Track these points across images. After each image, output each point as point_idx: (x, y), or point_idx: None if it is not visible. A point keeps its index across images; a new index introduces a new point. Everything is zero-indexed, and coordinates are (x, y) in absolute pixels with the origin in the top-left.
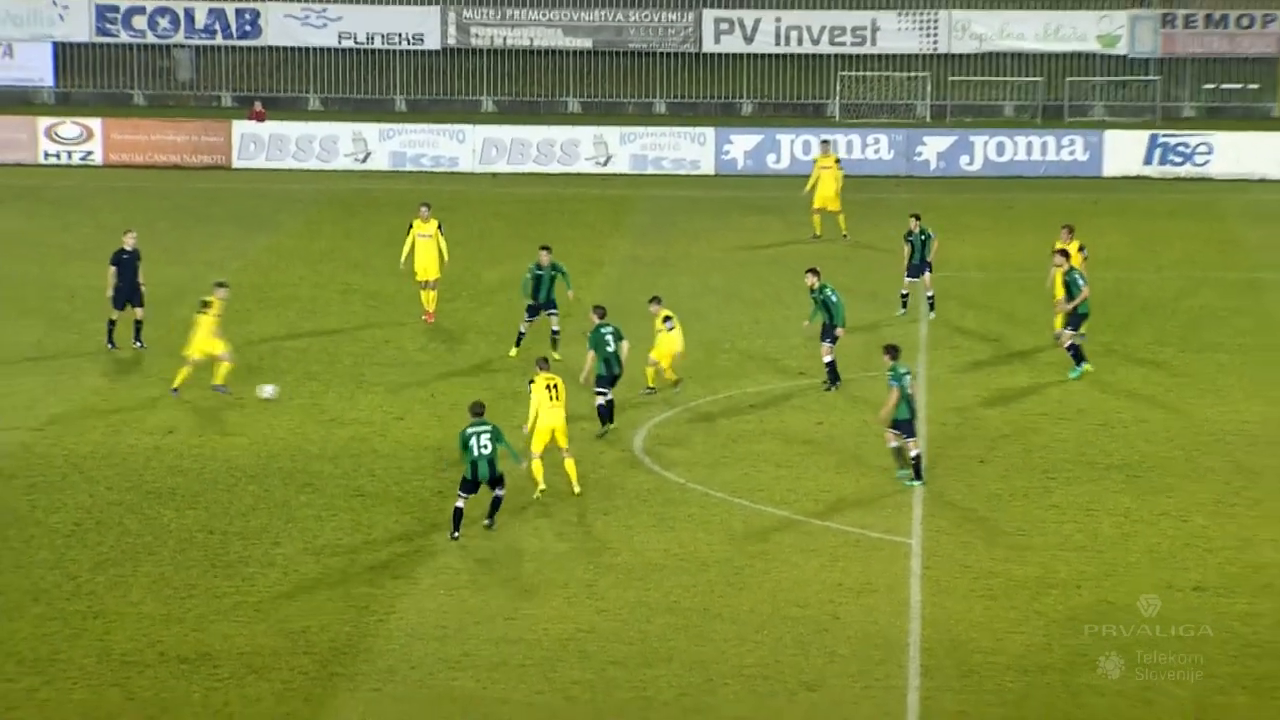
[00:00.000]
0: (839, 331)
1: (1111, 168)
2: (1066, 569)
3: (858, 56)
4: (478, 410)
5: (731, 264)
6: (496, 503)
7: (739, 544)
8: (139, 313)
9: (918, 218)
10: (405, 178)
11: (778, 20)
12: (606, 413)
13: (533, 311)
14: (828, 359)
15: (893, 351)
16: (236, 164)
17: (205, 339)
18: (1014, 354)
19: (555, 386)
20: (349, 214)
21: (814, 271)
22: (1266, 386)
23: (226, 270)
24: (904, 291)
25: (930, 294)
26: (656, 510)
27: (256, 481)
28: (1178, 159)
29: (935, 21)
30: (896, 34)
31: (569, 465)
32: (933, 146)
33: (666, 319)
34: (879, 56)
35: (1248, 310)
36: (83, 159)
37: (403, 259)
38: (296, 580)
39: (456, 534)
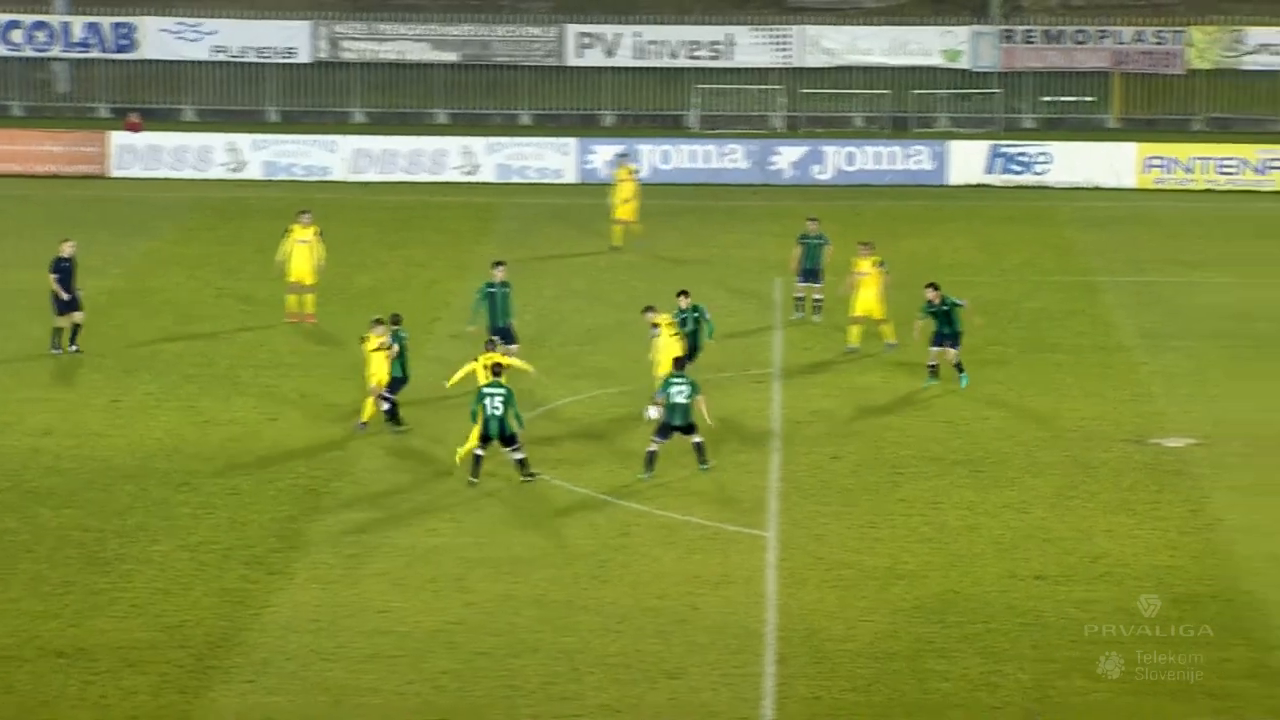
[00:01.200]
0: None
1: (956, 176)
2: (914, 560)
3: (714, 70)
4: (496, 371)
5: (594, 269)
6: (521, 464)
7: (603, 539)
8: (78, 317)
9: (816, 221)
10: (278, 186)
11: (638, 35)
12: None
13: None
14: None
15: (677, 363)
16: (113, 173)
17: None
18: (864, 354)
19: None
20: (223, 221)
21: (684, 293)
22: (1101, 385)
23: (104, 275)
24: (798, 295)
25: (819, 299)
26: (523, 506)
27: (133, 481)
28: (1018, 168)
29: (788, 37)
30: (751, 48)
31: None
32: (786, 156)
33: (655, 326)
34: (735, 70)
35: (1083, 312)
36: None
37: (276, 261)
38: (173, 576)
39: (474, 479)
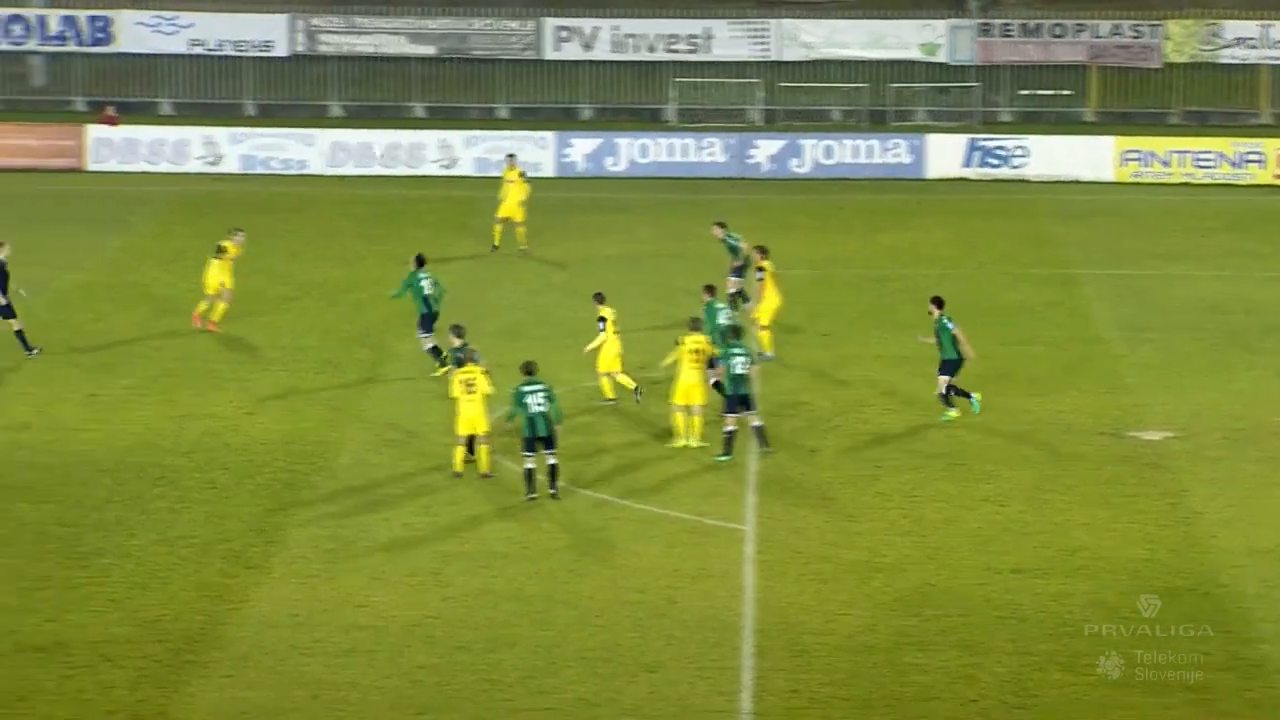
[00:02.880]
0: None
1: (934, 169)
2: (892, 553)
3: (693, 63)
4: (529, 369)
5: (572, 262)
6: (552, 471)
7: (580, 532)
8: (15, 324)
9: (723, 225)
10: (255, 180)
11: (615, 28)
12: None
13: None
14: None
15: (732, 332)
16: (90, 167)
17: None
18: (844, 348)
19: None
20: (200, 215)
21: (710, 288)
22: (1079, 377)
23: (80, 269)
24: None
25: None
26: (501, 500)
27: (111, 475)
28: (995, 161)
29: (766, 30)
30: (730, 42)
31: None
32: (764, 149)
33: (601, 319)
34: (713, 64)
35: (1061, 304)
36: None
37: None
38: (151, 571)
39: (532, 495)
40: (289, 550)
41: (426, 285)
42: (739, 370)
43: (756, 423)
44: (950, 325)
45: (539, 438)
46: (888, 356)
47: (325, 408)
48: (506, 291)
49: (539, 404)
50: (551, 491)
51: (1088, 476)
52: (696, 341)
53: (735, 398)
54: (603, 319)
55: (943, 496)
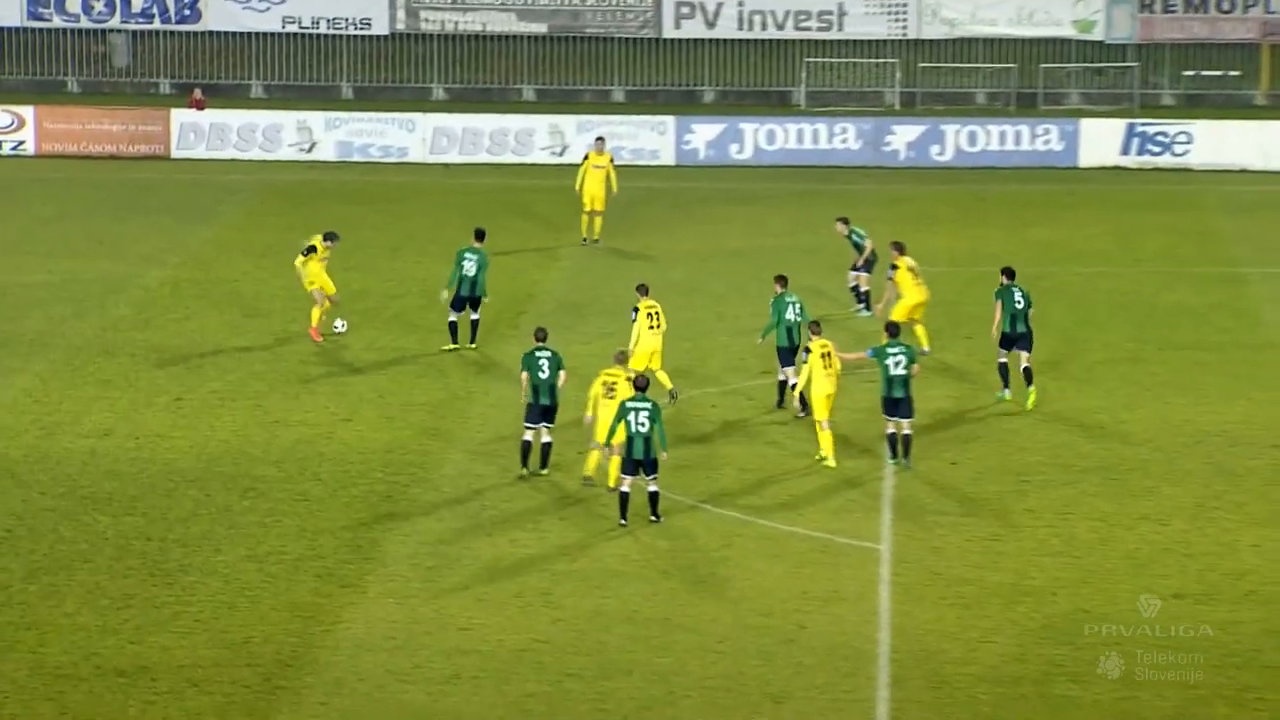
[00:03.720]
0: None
1: (1087, 158)
2: (1042, 575)
3: (824, 42)
4: (641, 385)
5: (693, 258)
6: (652, 499)
7: (701, 551)
8: None
9: (846, 221)
10: (352, 168)
11: (741, 4)
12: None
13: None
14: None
15: (891, 329)
16: (175, 154)
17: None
18: (989, 352)
19: (615, 382)
20: (293, 206)
21: (781, 279)
22: (1247, 386)
23: (165, 264)
24: (861, 287)
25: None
26: (615, 515)
27: (197, 486)
28: (1156, 149)
29: (905, 6)
30: (865, 19)
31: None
32: (902, 136)
33: (634, 309)
34: (846, 42)
35: (1228, 306)
36: (14, 149)
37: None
38: (239, 589)
39: (624, 520)
40: (386, 568)
41: (469, 265)
42: (895, 371)
43: (906, 431)
44: (1016, 294)
45: (638, 460)
46: (1036, 362)
47: (427, 415)
48: (618, 288)
49: (642, 424)
50: (653, 519)
51: (1258, 493)
52: (824, 345)
53: (889, 400)
54: (636, 309)
55: (1097, 514)
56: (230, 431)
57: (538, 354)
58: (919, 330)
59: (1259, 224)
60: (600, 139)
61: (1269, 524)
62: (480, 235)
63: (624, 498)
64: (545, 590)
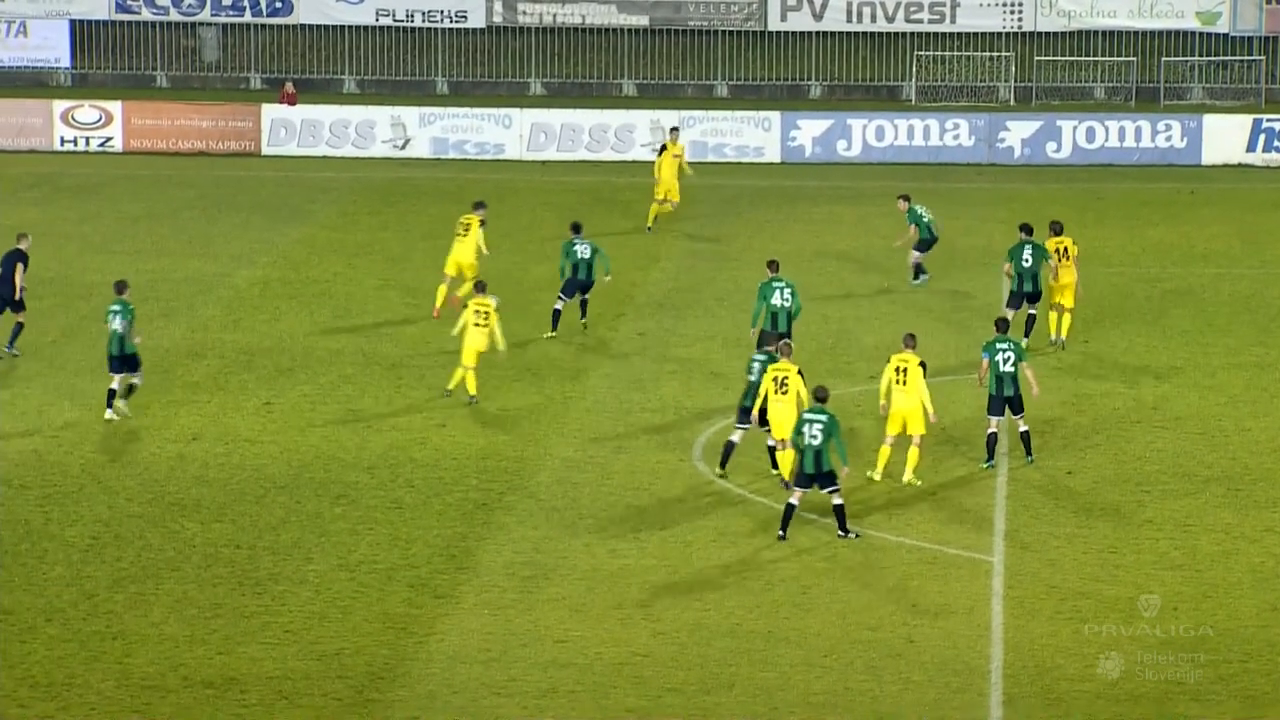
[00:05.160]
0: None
1: (1211, 155)
2: (1162, 589)
3: (936, 35)
4: (820, 395)
5: (798, 259)
6: (837, 512)
7: (806, 561)
8: (21, 316)
9: (907, 199)
10: (447, 165)
11: None
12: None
13: None
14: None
15: (1000, 325)
16: (266, 150)
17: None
18: (1107, 356)
19: (783, 381)
20: (387, 204)
21: (772, 264)
22: None
23: (255, 264)
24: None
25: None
26: (717, 524)
27: (287, 492)
28: None
29: None
30: (978, 10)
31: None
32: (1016, 132)
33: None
34: (959, 35)
35: None
36: (101, 145)
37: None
38: (330, 599)
39: (783, 534)
40: (480, 578)
41: (581, 251)
42: (1005, 368)
43: (1023, 428)
44: (1026, 251)
45: (810, 474)
46: (1156, 367)
47: (523, 419)
48: (720, 288)
49: (814, 436)
50: (841, 534)
51: None
52: (904, 359)
53: (998, 399)
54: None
55: (1220, 526)
56: (321, 436)
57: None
58: (1053, 318)
59: None
60: (675, 129)
61: None
62: (576, 229)
63: (789, 510)
64: (644, 602)
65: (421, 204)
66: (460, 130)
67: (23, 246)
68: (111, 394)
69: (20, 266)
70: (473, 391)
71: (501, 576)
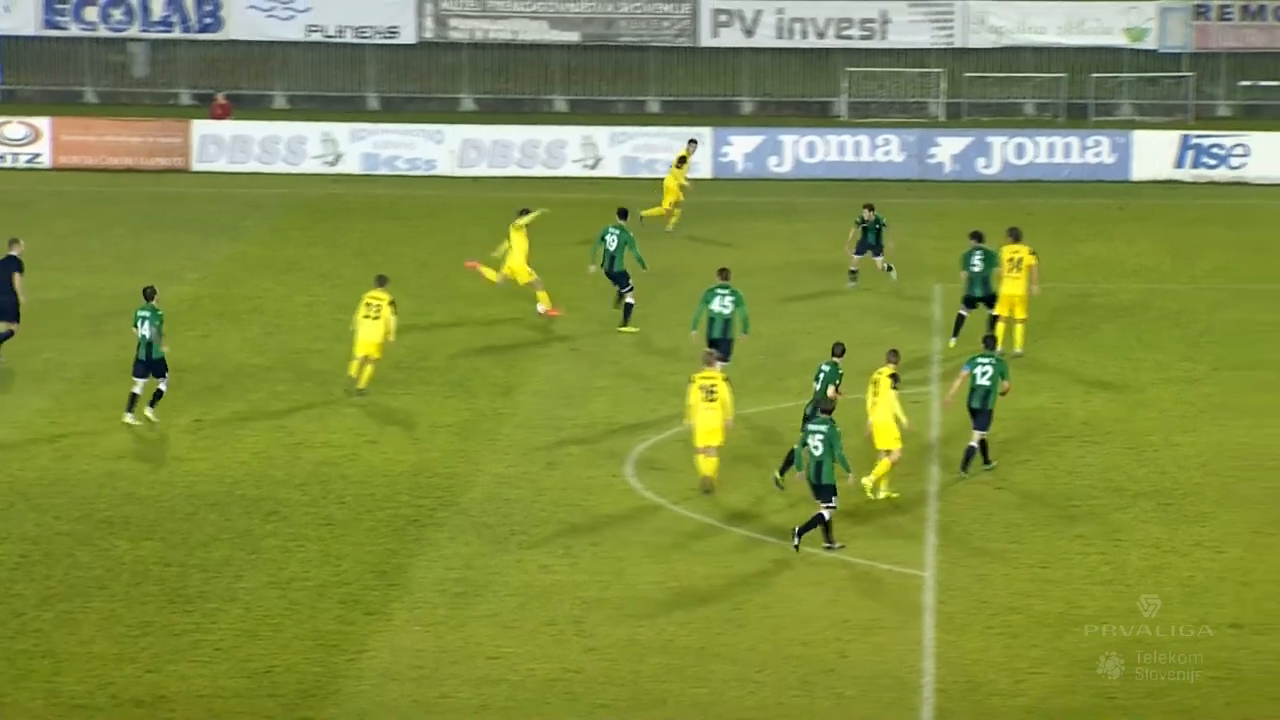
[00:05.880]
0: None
1: (1140, 171)
2: (1092, 604)
3: (867, 51)
4: (826, 408)
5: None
6: (816, 521)
7: (739, 577)
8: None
9: (870, 207)
10: (379, 181)
11: (780, 12)
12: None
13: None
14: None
15: (987, 342)
16: (196, 166)
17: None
18: (1037, 372)
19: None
20: (317, 220)
21: (721, 271)
22: None
23: (185, 281)
24: (853, 268)
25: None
26: (649, 540)
27: (217, 510)
28: (1212, 161)
29: (950, 14)
30: (909, 27)
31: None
32: (947, 148)
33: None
34: (889, 51)
35: None
36: (29, 161)
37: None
38: (260, 617)
39: (831, 545)
40: (412, 595)
41: (611, 240)
42: (981, 382)
43: (975, 442)
44: (975, 256)
45: (812, 484)
46: (1086, 382)
47: (455, 435)
48: (659, 305)
49: (815, 447)
50: (827, 545)
51: None
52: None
53: (970, 411)
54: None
55: (1150, 541)
56: (251, 454)
57: (824, 366)
58: (1016, 330)
59: None
60: (693, 141)
61: None
62: (623, 214)
63: (820, 520)
64: (577, 618)
65: (352, 220)
66: (391, 146)
67: (15, 253)
68: (133, 399)
69: (17, 274)
70: (362, 385)
71: (433, 593)
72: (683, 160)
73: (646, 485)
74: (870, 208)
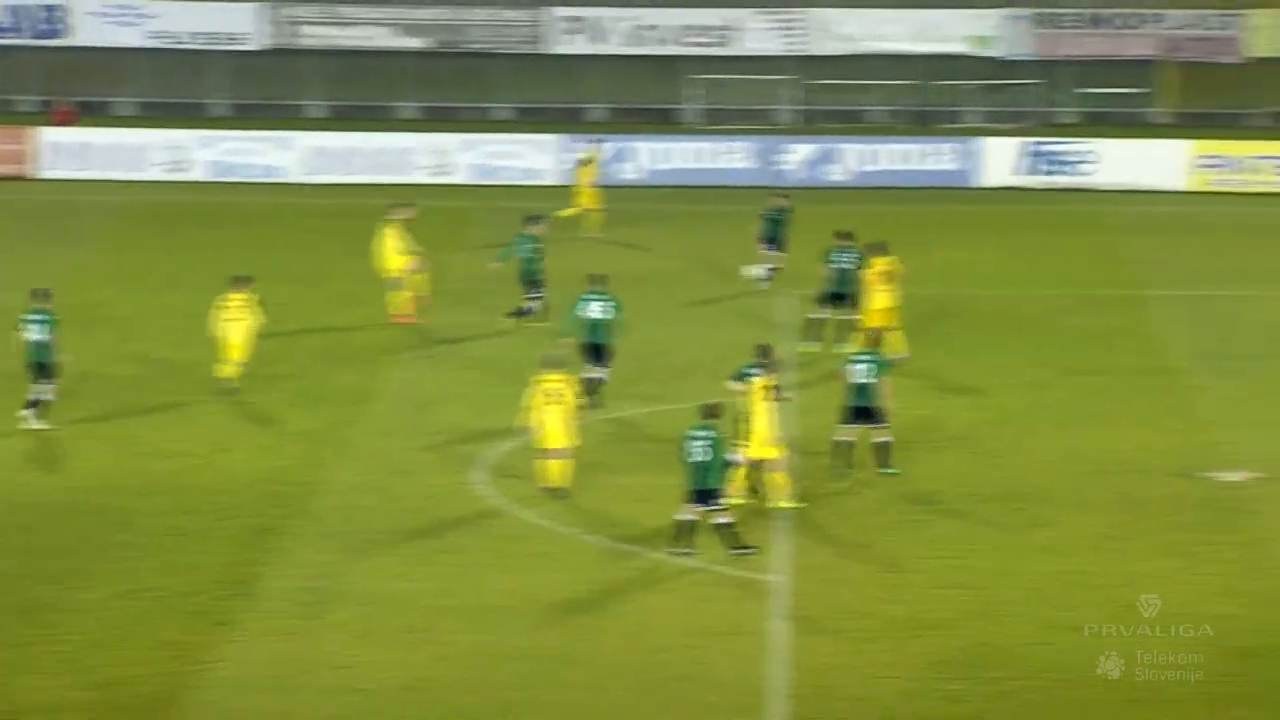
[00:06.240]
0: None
1: (987, 177)
2: (943, 608)
3: (716, 58)
4: (708, 413)
5: (581, 282)
6: (720, 530)
7: (593, 584)
8: None
9: (786, 196)
10: (226, 189)
11: (629, 19)
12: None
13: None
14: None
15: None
16: (40, 174)
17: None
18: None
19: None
20: (165, 228)
21: (592, 277)
22: (1154, 413)
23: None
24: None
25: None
26: (502, 547)
27: (65, 520)
28: (1056, 168)
29: (799, 21)
30: (757, 34)
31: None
32: (796, 155)
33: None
34: (739, 58)
35: (1133, 330)
36: None
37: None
38: (108, 627)
39: (677, 549)
40: (263, 604)
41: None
42: (859, 380)
43: (882, 437)
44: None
45: (697, 490)
46: (936, 386)
47: (307, 443)
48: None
49: (699, 452)
50: (737, 550)
51: (1161, 523)
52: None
53: (851, 409)
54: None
55: (998, 545)
56: (101, 464)
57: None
58: (897, 336)
59: (1161, 246)
60: (595, 142)
61: (1172, 554)
62: (534, 221)
63: (684, 525)
64: (429, 626)
65: (200, 227)
66: (238, 153)
67: None
68: (35, 403)
69: None
70: (234, 380)
71: (285, 602)
72: (587, 162)
73: (501, 492)
74: (786, 196)
